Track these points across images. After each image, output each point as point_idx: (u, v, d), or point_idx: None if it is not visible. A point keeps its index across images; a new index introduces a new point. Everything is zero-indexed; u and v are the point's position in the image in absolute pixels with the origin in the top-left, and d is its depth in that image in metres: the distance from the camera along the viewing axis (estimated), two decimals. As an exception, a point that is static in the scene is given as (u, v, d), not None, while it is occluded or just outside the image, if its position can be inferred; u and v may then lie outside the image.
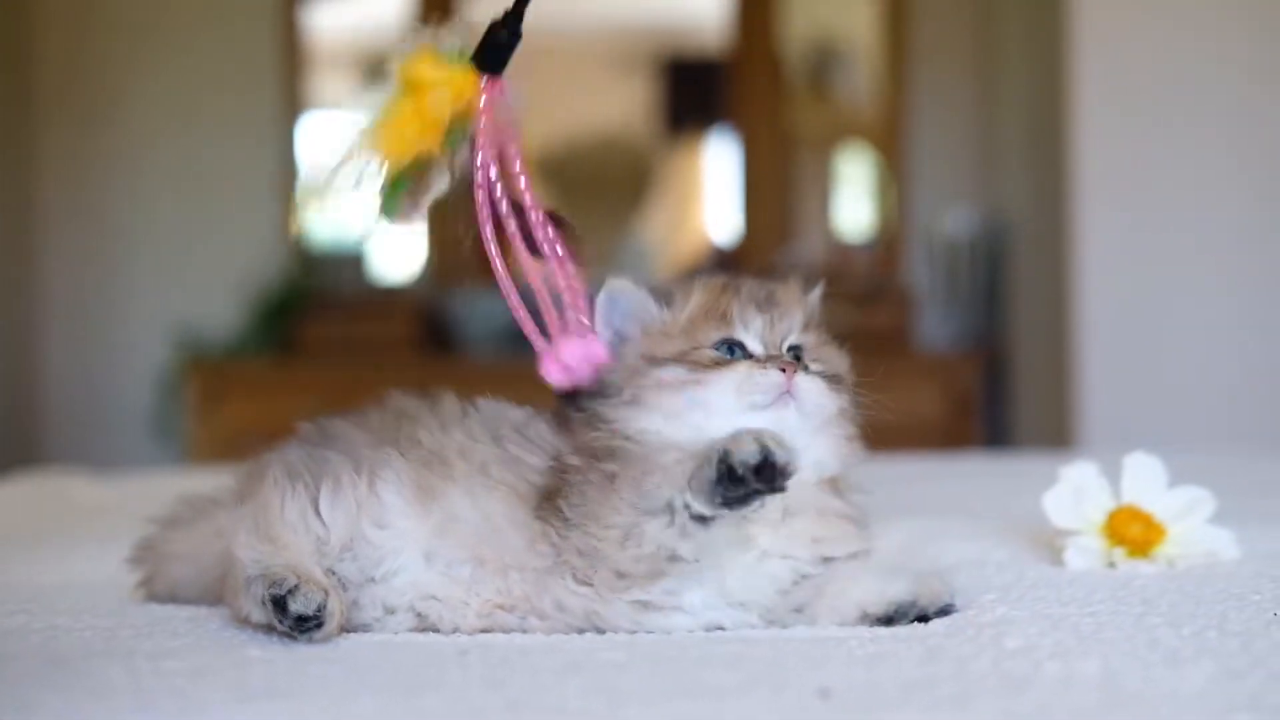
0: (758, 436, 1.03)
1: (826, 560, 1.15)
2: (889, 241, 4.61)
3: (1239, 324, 3.41)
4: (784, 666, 0.98)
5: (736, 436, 1.04)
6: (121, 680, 0.96)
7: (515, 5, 1.17)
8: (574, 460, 1.13)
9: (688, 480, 1.05)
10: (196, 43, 4.57)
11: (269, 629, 1.09)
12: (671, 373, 1.13)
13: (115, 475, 2.63)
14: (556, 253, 1.15)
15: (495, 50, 1.15)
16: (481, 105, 1.14)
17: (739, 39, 4.58)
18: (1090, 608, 1.16)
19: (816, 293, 1.23)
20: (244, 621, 1.12)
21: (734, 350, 1.15)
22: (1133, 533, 1.37)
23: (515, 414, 1.20)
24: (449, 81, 1.13)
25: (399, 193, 1.13)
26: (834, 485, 1.18)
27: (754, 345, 1.16)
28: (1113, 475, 1.42)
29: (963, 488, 2.12)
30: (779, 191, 4.65)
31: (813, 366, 1.16)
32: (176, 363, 4.39)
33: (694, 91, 4.80)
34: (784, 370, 1.12)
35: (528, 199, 1.15)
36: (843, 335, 1.24)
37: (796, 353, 1.17)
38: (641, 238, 4.90)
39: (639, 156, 4.84)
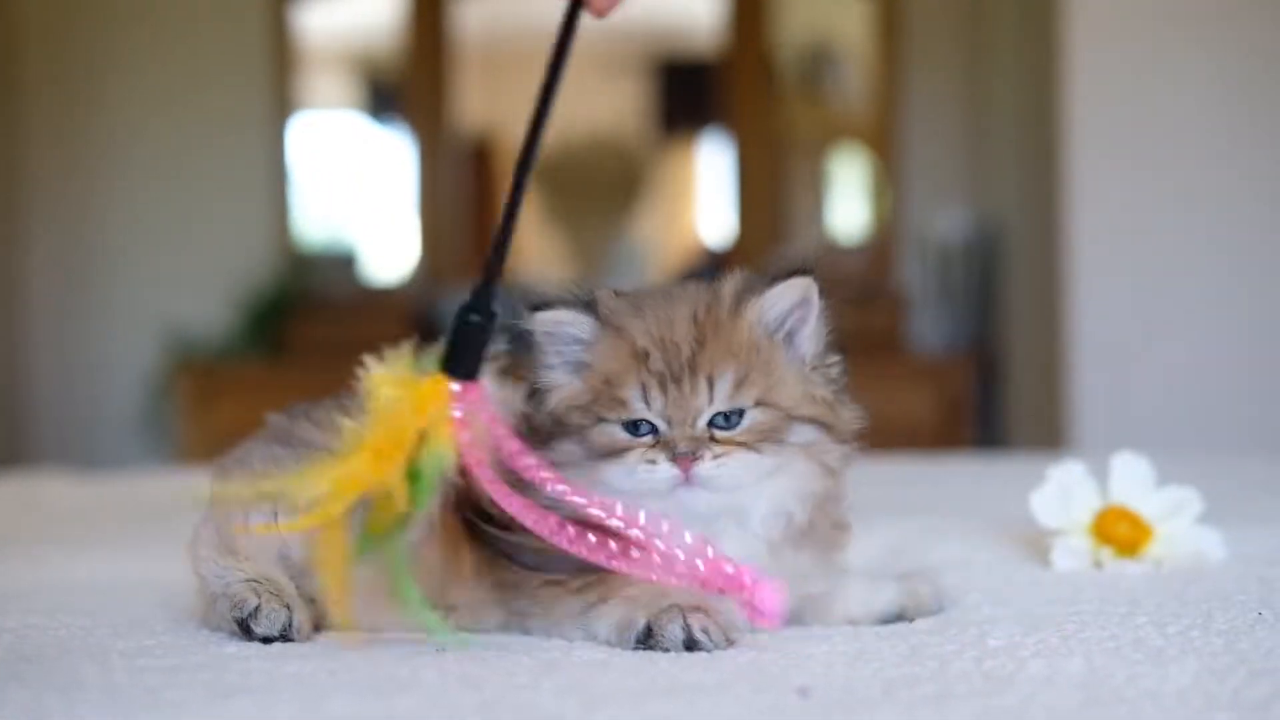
0: (686, 624, 1.01)
1: None
2: (881, 243, 4.61)
3: (1231, 325, 3.40)
4: (763, 665, 0.97)
5: (665, 614, 1.01)
6: (93, 677, 0.95)
7: (483, 284, 0.97)
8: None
9: (611, 632, 1.04)
10: (186, 42, 4.55)
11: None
12: (568, 453, 1.07)
13: (99, 476, 2.62)
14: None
15: (467, 348, 0.96)
16: (457, 419, 0.95)
17: (731, 40, 4.57)
18: (1075, 607, 1.15)
19: (785, 300, 1.08)
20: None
21: (640, 425, 1.05)
22: (1120, 533, 1.36)
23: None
24: (410, 399, 0.95)
25: (377, 535, 0.97)
26: (810, 526, 1.10)
27: (659, 423, 1.05)
28: (1102, 476, 1.41)
29: (953, 489, 2.11)
30: (771, 193, 4.64)
31: (742, 429, 1.05)
32: (165, 364, 4.37)
33: (686, 93, 4.79)
34: (676, 461, 1.03)
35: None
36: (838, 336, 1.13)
37: (722, 420, 1.05)
38: (633, 239, 4.89)
39: (631, 158, 4.83)
